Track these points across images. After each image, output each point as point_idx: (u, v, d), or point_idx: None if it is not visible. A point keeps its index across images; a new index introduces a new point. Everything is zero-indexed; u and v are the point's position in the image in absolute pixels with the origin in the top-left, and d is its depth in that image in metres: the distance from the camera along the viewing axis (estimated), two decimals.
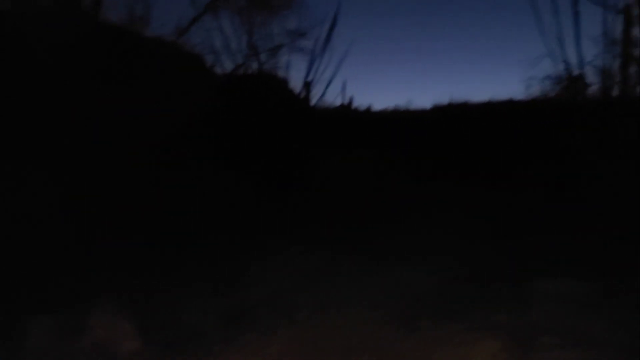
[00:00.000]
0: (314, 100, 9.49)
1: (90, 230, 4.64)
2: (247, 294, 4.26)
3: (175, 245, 4.91)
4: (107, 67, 5.97)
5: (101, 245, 4.50)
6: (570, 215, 5.69)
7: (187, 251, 4.93)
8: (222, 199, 5.70)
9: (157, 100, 6.08)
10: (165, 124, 5.79)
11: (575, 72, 7.27)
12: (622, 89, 7.27)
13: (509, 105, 8.44)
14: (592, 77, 7.32)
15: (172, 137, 5.82)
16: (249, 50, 9.09)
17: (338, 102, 9.80)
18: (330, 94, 9.89)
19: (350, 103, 9.88)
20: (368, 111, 9.98)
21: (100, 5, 7.78)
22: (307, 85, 9.39)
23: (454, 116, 8.72)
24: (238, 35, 9.04)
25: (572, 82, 7.41)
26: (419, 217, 6.08)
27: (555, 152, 6.77)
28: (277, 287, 4.35)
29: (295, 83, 9.37)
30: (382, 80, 13.20)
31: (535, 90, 7.93)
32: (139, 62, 6.36)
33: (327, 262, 4.90)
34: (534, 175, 6.75)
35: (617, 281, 4.08)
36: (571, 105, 7.55)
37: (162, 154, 5.67)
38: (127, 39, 7.17)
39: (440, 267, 4.66)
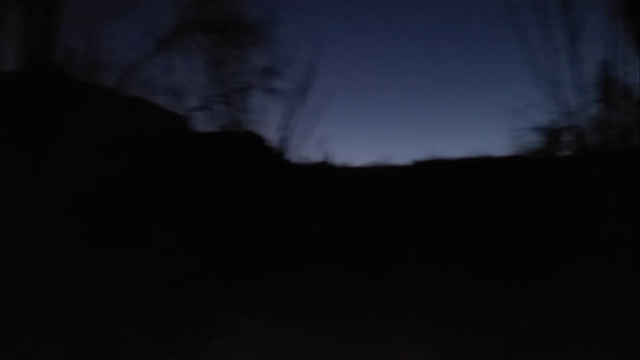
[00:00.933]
0: (291, 154, 9.01)
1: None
2: None
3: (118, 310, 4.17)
4: (71, 120, 5.81)
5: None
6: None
7: (136, 317, 4.17)
8: (178, 259, 5.02)
9: (123, 151, 5.74)
10: (125, 175, 5.35)
11: (566, 122, 7.00)
12: (602, 141, 7.04)
13: (487, 161, 8.25)
14: (583, 127, 7.01)
15: (132, 187, 5.31)
16: (216, 91, 8.15)
17: (317, 156, 9.34)
18: (308, 147, 9.35)
19: (330, 159, 9.47)
20: (348, 167, 9.59)
21: (72, 62, 7.52)
22: (284, 139, 8.95)
23: (434, 171, 8.42)
24: (205, 74, 8.00)
25: (560, 134, 7.14)
26: (401, 274, 5.45)
27: (533, 207, 6.44)
28: None
29: (269, 129, 8.66)
30: (360, 132, 12.76)
31: (522, 142, 7.62)
32: (107, 115, 6.07)
33: (301, 334, 4.19)
34: (512, 230, 6.33)
35: None
36: (545, 161, 7.32)
37: (119, 205, 5.14)
38: (94, 93, 6.91)
39: (434, 337, 4.01)
